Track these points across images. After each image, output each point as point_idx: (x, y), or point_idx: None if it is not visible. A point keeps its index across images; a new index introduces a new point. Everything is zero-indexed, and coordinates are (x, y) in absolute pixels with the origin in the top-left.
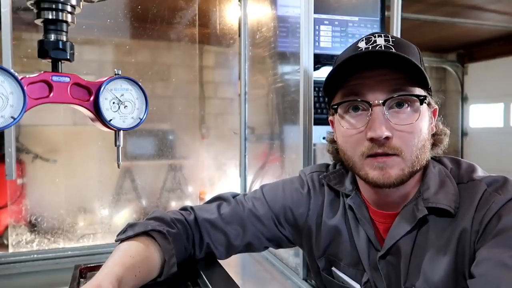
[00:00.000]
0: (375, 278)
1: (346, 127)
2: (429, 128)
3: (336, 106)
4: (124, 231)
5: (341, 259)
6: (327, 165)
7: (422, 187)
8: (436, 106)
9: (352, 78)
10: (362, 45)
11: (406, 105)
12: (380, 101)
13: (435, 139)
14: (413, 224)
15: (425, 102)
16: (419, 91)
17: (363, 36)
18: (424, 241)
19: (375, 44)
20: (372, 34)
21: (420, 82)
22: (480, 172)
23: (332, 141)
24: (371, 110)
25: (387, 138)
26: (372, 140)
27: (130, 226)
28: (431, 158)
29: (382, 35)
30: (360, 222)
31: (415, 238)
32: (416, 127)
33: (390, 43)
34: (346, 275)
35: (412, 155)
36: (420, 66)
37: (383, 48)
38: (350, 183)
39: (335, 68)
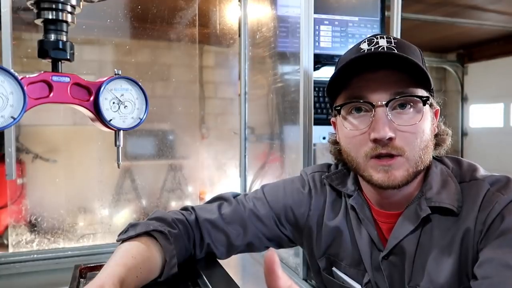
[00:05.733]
0: (377, 279)
1: (350, 128)
2: (431, 129)
3: (339, 108)
4: (125, 231)
5: (342, 260)
6: (329, 165)
7: (425, 187)
8: (438, 107)
9: (355, 80)
10: (365, 46)
11: (409, 106)
12: (383, 102)
13: (438, 139)
14: (417, 223)
15: (428, 103)
16: (421, 92)
17: (363, 36)
18: (428, 240)
19: (377, 46)
20: (374, 35)
21: (423, 83)
22: (482, 171)
23: (334, 142)
24: (374, 111)
25: (390, 139)
26: (375, 141)
27: (131, 226)
28: (433, 158)
29: (384, 36)
30: (363, 222)
31: (419, 237)
32: (419, 127)
33: (392, 45)
34: (346, 275)
35: (416, 155)
36: (422, 66)
37: (385, 50)
38: (352, 184)
39: (338, 70)
